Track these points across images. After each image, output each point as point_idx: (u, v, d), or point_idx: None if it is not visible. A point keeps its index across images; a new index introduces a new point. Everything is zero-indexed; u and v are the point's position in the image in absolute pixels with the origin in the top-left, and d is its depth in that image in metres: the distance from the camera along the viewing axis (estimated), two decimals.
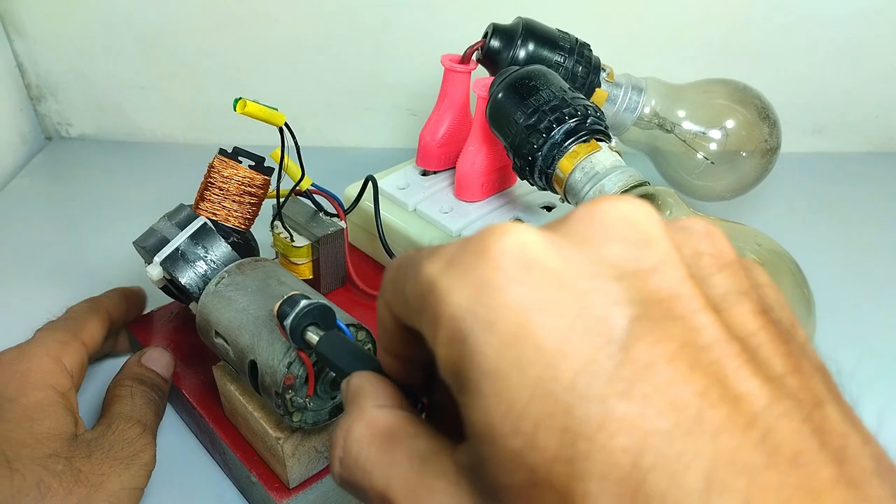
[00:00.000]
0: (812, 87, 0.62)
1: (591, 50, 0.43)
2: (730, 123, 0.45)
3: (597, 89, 0.44)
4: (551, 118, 0.36)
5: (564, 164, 0.36)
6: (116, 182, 0.65)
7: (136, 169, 0.67)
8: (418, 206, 0.44)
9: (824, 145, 0.65)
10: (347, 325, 0.30)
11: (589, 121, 0.36)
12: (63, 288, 0.50)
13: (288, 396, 0.30)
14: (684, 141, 0.45)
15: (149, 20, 0.64)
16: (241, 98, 0.37)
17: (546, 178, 0.37)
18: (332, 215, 0.44)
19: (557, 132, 0.36)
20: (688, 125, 0.46)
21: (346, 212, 0.44)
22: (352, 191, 0.46)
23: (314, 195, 0.44)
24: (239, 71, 0.66)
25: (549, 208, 0.43)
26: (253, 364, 0.31)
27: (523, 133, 0.37)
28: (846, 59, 0.61)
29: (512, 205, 0.43)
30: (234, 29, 0.64)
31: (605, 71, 0.44)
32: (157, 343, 0.41)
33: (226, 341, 0.32)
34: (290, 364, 0.29)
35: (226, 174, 0.40)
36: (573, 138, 0.35)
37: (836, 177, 0.62)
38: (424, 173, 0.47)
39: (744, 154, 0.45)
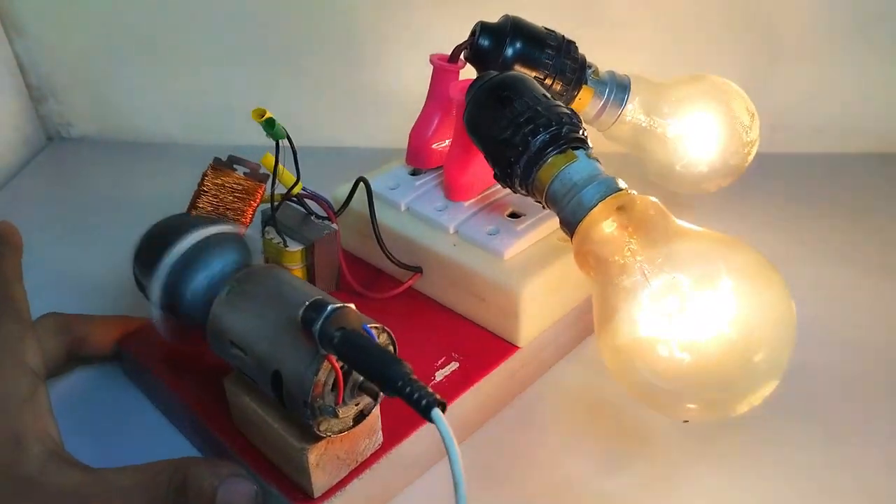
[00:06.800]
0: (812, 88, 0.62)
1: (577, 48, 0.44)
2: (711, 117, 0.46)
3: (583, 86, 0.44)
4: (526, 130, 0.35)
5: (542, 176, 0.35)
6: (117, 182, 0.65)
7: (137, 169, 0.67)
8: (411, 206, 0.44)
9: (824, 145, 0.64)
10: (371, 327, 0.30)
11: (564, 130, 0.35)
12: (64, 288, 0.50)
13: (317, 404, 0.29)
14: (666, 135, 0.46)
15: (149, 21, 0.64)
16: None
17: (527, 188, 0.36)
18: (322, 218, 0.43)
19: (533, 145, 0.35)
20: (670, 120, 0.46)
21: (337, 214, 0.44)
22: (340, 193, 0.45)
23: (305, 199, 0.43)
24: (238, 71, 0.66)
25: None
26: (276, 374, 0.30)
27: (500, 146, 0.36)
28: (846, 59, 0.61)
29: (506, 200, 0.43)
30: (233, 29, 0.64)
31: (590, 68, 0.45)
32: (153, 356, 0.40)
33: (243, 351, 0.31)
34: (317, 371, 0.29)
35: (219, 182, 0.39)
36: (549, 149, 0.35)
37: (836, 177, 0.62)
38: (414, 172, 0.46)
39: (725, 146, 0.47)
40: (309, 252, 0.42)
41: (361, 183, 0.44)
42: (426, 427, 0.36)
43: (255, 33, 0.65)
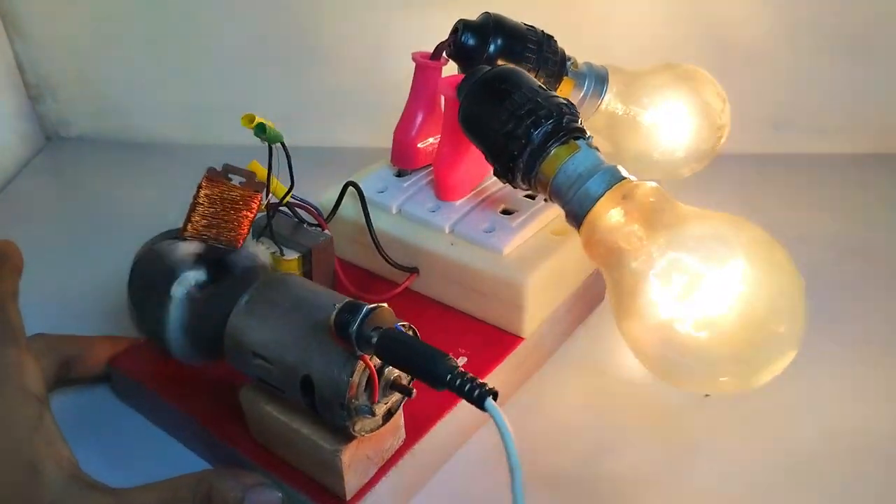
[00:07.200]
0: (813, 88, 0.63)
1: (556, 41, 0.45)
2: (684, 103, 0.48)
3: (564, 78, 0.46)
4: (527, 122, 0.35)
5: (546, 169, 0.36)
6: (116, 182, 0.66)
7: (136, 169, 0.68)
8: (402, 208, 0.44)
9: (825, 146, 0.65)
10: (399, 325, 0.30)
11: (565, 120, 0.36)
12: (64, 289, 0.50)
13: (352, 405, 0.29)
14: (642, 123, 0.48)
15: (148, 20, 0.65)
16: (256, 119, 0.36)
17: (529, 182, 0.37)
18: (313, 225, 0.43)
19: (535, 137, 0.35)
20: (644, 108, 0.48)
21: (326, 220, 0.44)
22: (326, 199, 0.45)
23: (295, 207, 0.43)
24: (238, 71, 0.67)
25: (531, 196, 0.44)
26: (306, 379, 0.30)
27: (501, 140, 0.36)
28: (848, 59, 0.62)
29: (496, 197, 0.44)
30: (233, 29, 0.65)
31: (569, 60, 0.46)
32: (150, 373, 0.39)
33: (267, 361, 0.31)
34: (352, 372, 0.29)
35: (214, 194, 0.39)
36: (551, 141, 0.35)
37: (837, 178, 0.62)
38: (399, 173, 0.47)
39: (699, 131, 0.49)
40: (306, 259, 0.42)
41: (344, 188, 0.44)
42: (444, 420, 0.36)
43: (254, 33, 0.66)
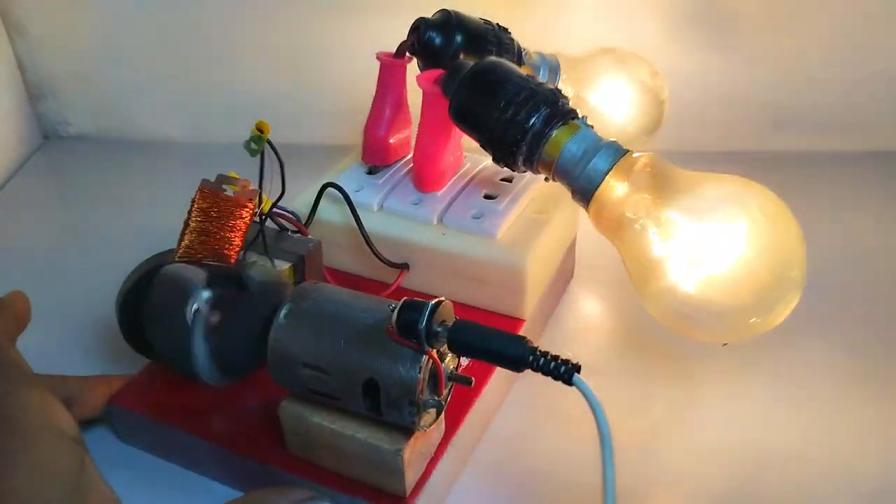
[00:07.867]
0: (812, 87, 0.63)
1: (510, 33, 0.46)
2: (627, 83, 0.51)
3: (521, 67, 0.47)
4: (527, 108, 0.37)
5: (550, 150, 0.37)
6: (115, 181, 0.65)
7: (135, 168, 0.67)
8: (385, 204, 0.44)
9: (824, 144, 0.65)
10: None
11: (560, 103, 0.37)
12: (62, 289, 0.50)
13: (420, 401, 0.30)
14: (591, 105, 0.51)
15: (149, 20, 0.64)
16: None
17: (531, 165, 0.38)
18: (294, 233, 0.43)
19: (537, 121, 0.37)
20: (591, 91, 0.51)
21: (305, 224, 0.43)
22: (300, 201, 0.44)
23: (274, 216, 0.42)
24: (238, 71, 0.66)
25: (508, 180, 0.45)
26: (370, 381, 0.30)
27: (501, 128, 0.37)
28: (847, 59, 0.62)
29: (475, 182, 0.45)
30: (233, 28, 0.64)
31: (525, 51, 0.47)
32: (158, 407, 0.37)
33: (321, 370, 0.31)
34: (421, 368, 0.29)
35: (208, 206, 0.37)
36: (552, 125, 0.37)
37: (835, 177, 0.62)
38: (370, 171, 0.46)
39: (646, 108, 0.52)
40: (298, 268, 0.41)
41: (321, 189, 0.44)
42: (475, 406, 0.37)
43: (254, 33, 0.65)
